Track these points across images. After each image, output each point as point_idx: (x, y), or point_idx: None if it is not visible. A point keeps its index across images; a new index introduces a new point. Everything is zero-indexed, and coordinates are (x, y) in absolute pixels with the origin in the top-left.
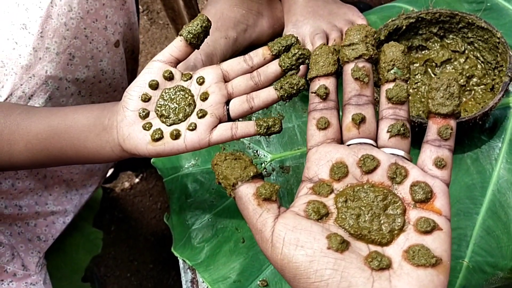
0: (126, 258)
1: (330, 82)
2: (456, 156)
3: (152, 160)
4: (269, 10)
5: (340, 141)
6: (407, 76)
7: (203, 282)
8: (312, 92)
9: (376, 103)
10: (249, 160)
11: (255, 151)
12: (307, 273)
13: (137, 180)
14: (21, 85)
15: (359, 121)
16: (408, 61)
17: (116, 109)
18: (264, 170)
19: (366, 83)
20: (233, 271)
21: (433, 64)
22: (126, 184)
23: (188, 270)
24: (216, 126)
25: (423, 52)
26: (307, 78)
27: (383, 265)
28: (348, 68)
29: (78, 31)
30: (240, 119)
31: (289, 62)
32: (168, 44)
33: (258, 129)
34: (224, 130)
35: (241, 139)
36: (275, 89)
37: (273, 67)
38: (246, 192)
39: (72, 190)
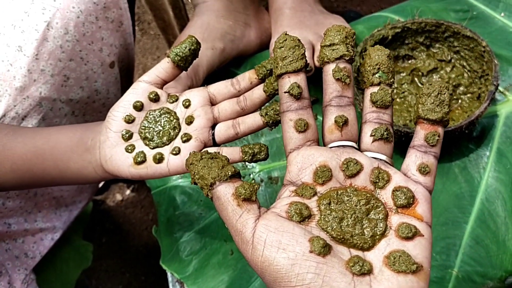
0: (117, 270)
1: (301, 79)
2: (444, 165)
3: None
4: (256, 21)
5: (318, 141)
6: (391, 80)
7: None
8: (285, 92)
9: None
10: (226, 159)
11: (243, 162)
12: (288, 276)
13: (128, 191)
14: (15, 106)
15: (342, 123)
16: (393, 65)
17: (99, 129)
18: (253, 180)
19: (347, 84)
20: (221, 284)
21: (420, 73)
22: (118, 196)
23: (177, 283)
24: (200, 150)
25: (409, 61)
26: (275, 74)
27: (364, 270)
28: (329, 69)
29: (74, 53)
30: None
31: (271, 87)
32: (159, 54)
33: (244, 156)
34: None
35: None
36: (261, 115)
37: (258, 92)
38: (225, 192)
39: (62, 207)
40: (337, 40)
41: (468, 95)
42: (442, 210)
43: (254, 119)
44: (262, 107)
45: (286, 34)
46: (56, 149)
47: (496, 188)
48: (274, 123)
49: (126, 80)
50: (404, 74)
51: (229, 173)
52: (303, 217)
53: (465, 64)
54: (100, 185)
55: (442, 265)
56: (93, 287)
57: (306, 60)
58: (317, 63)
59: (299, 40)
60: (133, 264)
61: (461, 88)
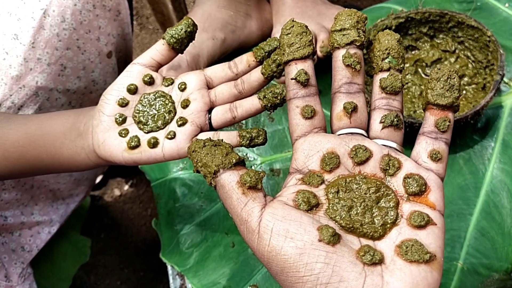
0: (116, 265)
1: (308, 66)
2: (449, 156)
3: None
4: (257, 12)
5: (326, 129)
6: (401, 66)
7: None
8: (292, 79)
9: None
10: (229, 147)
11: (244, 154)
12: (296, 266)
13: (126, 186)
14: (11, 95)
15: (351, 110)
16: (403, 50)
17: (92, 113)
18: None
19: (358, 71)
20: (223, 277)
21: (424, 64)
22: (116, 191)
23: (177, 276)
24: (196, 135)
25: (413, 52)
26: (282, 61)
27: (375, 260)
28: (339, 55)
29: (71, 42)
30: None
31: (269, 69)
32: None
33: (241, 140)
34: None
35: None
36: (259, 99)
37: (256, 75)
38: (229, 180)
39: (59, 200)
40: (348, 25)
41: (473, 85)
42: (446, 202)
43: (252, 103)
44: (260, 90)
45: (293, 20)
46: (49, 135)
47: (501, 180)
48: (273, 106)
49: None
50: (407, 65)
51: (234, 160)
52: (311, 205)
53: (469, 54)
54: (98, 179)
55: (447, 257)
56: (91, 282)
57: (314, 47)
58: (320, 54)
59: (306, 26)
60: (131, 259)
61: (466, 79)
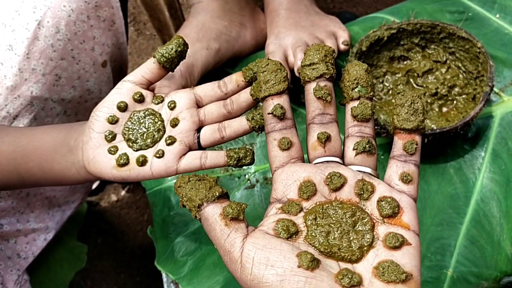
0: (112, 271)
1: (284, 100)
2: (439, 165)
3: None
4: (252, 22)
5: (303, 159)
6: (371, 94)
7: None
8: (269, 113)
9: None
10: (213, 181)
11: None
12: None
13: (123, 192)
14: (6, 105)
15: (325, 139)
16: (372, 79)
17: (82, 129)
18: (248, 181)
19: (329, 102)
20: (217, 284)
21: (415, 74)
22: (113, 196)
23: (172, 284)
24: (185, 154)
25: (405, 62)
26: (260, 97)
27: (354, 282)
28: (310, 88)
29: (65, 52)
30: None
31: (258, 91)
32: None
33: (229, 160)
34: (192, 159)
35: None
36: (247, 120)
37: (245, 96)
38: (213, 213)
39: (55, 207)
40: (316, 59)
41: (463, 96)
42: (437, 211)
43: (240, 123)
44: (249, 111)
45: (268, 59)
46: (40, 149)
47: (491, 189)
48: (260, 128)
49: (118, 80)
50: (399, 75)
51: (217, 193)
52: (290, 233)
53: (460, 65)
54: (94, 186)
55: (437, 265)
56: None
57: (289, 83)
58: None
59: (281, 64)
60: (128, 265)
61: (456, 89)
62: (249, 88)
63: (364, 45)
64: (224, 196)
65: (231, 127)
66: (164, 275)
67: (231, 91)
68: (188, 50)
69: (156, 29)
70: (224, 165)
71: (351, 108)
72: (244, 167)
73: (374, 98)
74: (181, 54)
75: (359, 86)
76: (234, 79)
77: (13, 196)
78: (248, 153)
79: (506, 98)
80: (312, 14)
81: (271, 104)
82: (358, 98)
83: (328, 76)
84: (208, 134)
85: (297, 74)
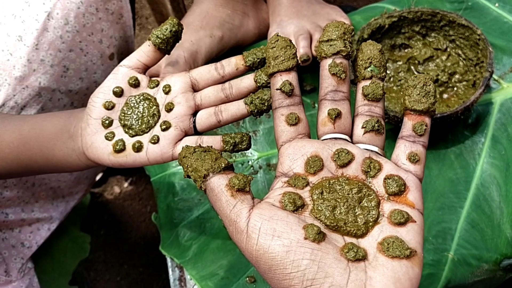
0: (115, 261)
1: (292, 77)
2: (440, 151)
3: None
4: (254, 11)
5: (310, 136)
6: (383, 74)
7: (191, 279)
8: (277, 89)
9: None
10: (219, 152)
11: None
12: (283, 263)
13: (126, 184)
14: (14, 95)
15: (335, 116)
16: (385, 59)
17: (81, 115)
18: (251, 168)
19: (343, 79)
20: (221, 268)
21: (416, 62)
22: (116, 188)
23: (176, 268)
24: (181, 139)
25: (406, 50)
26: (268, 73)
27: (359, 256)
28: (326, 64)
29: (74, 44)
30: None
31: (265, 79)
32: None
33: (224, 145)
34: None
35: None
36: (246, 104)
37: (248, 82)
38: (219, 183)
39: (59, 198)
40: (335, 36)
41: (464, 82)
42: (438, 195)
43: (238, 107)
44: (247, 95)
45: (277, 35)
46: (42, 136)
47: (491, 174)
48: (259, 112)
49: None
50: (400, 63)
51: (223, 165)
52: (296, 206)
53: (460, 52)
54: (98, 177)
55: (438, 248)
56: (91, 278)
57: (297, 60)
58: (314, 53)
59: (290, 40)
60: (131, 255)
61: (457, 76)
62: (253, 74)
63: (365, 33)
64: (229, 168)
65: (228, 111)
66: (168, 259)
67: (229, 74)
68: (192, 37)
69: (158, 23)
70: (220, 151)
71: (362, 87)
72: (248, 154)
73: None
74: (176, 35)
75: (372, 66)
76: (234, 62)
77: (18, 186)
78: (245, 138)
79: (506, 85)
80: (313, 3)
81: (279, 80)
82: (370, 78)
83: (345, 54)
84: (204, 118)
85: (299, 62)
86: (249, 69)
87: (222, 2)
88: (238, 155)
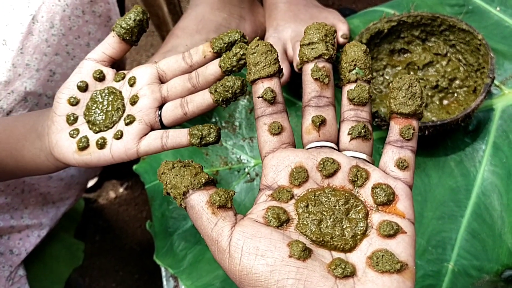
0: (111, 268)
1: (274, 83)
2: (440, 158)
3: (134, 166)
4: (251, 15)
5: (295, 145)
6: (369, 76)
7: None
8: (259, 97)
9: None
10: (199, 167)
11: (238, 156)
12: (268, 284)
13: (121, 189)
14: (0, 100)
15: (319, 123)
16: (370, 61)
17: (48, 114)
18: (248, 175)
19: (326, 84)
20: (216, 279)
21: (416, 67)
22: (111, 193)
23: (171, 278)
24: (146, 134)
25: (405, 55)
26: (249, 80)
27: (347, 273)
28: (308, 68)
29: (60, 47)
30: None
31: (229, 63)
32: (153, 52)
33: (191, 138)
34: (153, 140)
35: (224, 144)
36: (210, 92)
37: (213, 68)
38: (199, 200)
39: (49, 204)
40: (316, 39)
41: (464, 88)
42: (438, 204)
43: (203, 97)
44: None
45: (258, 39)
46: (12, 138)
47: (492, 182)
48: (224, 100)
49: None
50: (400, 68)
51: (203, 180)
52: (281, 221)
53: (460, 57)
54: (92, 182)
55: (438, 259)
56: (86, 285)
57: (279, 65)
58: None
59: (271, 45)
60: (126, 262)
61: (457, 82)
62: (218, 60)
63: (364, 37)
64: (210, 183)
65: (194, 101)
66: (163, 269)
67: (197, 63)
68: (188, 42)
69: (155, 26)
70: (187, 145)
71: (347, 91)
72: (244, 161)
73: (372, 82)
74: (141, 24)
75: (356, 68)
76: (201, 49)
77: (7, 192)
78: (212, 130)
79: (507, 91)
80: (311, 7)
81: (261, 87)
82: (355, 81)
83: (327, 57)
84: (169, 111)
85: (296, 69)
86: (217, 56)
87: (218, 6)
88: (234, 163)
